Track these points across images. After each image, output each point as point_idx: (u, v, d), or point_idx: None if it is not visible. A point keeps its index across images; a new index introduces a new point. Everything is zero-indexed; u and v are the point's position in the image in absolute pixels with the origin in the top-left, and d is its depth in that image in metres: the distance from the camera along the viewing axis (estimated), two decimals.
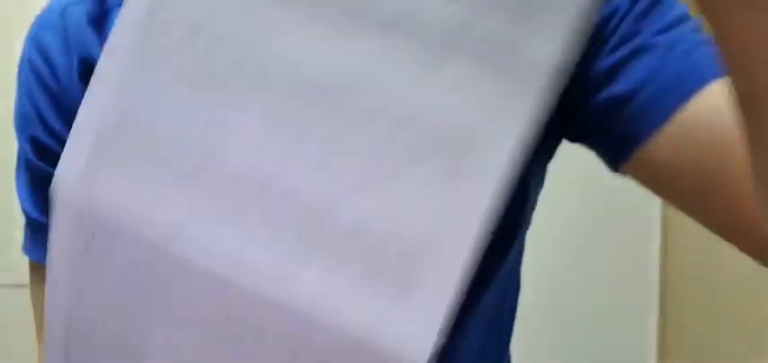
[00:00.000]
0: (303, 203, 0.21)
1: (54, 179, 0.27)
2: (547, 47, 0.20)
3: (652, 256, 1.28)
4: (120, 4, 0.30)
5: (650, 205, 1.29)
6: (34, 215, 0.42)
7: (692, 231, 1.29)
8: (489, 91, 0.20)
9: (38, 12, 0.43)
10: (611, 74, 0.41)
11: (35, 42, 0.42)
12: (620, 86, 0.41)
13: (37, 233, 0.42)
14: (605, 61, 0.41)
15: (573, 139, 0.47)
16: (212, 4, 0.21)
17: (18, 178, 0.43)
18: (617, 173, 0.44)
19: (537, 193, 0.50)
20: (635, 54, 0.41)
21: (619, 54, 0.41)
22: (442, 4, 0.19)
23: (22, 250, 0.44)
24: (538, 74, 0.20)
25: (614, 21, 0.41)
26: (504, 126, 0.20)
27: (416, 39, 0.19)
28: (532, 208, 0.50)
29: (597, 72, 0.42)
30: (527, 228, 0.50)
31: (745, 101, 0.28)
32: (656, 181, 0.42)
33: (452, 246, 0.20)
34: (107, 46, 0.24)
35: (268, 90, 0.21)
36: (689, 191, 0.41)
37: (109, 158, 0.23)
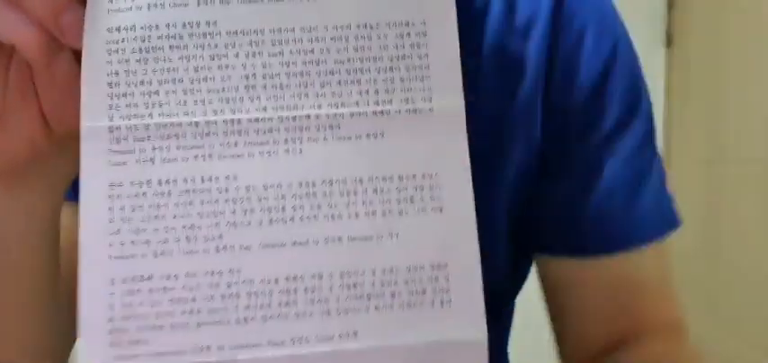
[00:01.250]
0: (334, 278, 0.25)
1: None
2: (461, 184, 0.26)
3: None
4: None
5: None
6: None
7: (692, 232, 1.29)
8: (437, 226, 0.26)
9: None
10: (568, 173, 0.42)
11: None
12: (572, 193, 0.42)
13: None
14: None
15: None
16: None
17: None
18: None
19: None
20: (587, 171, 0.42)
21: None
22: (357, 95, 0.26)
23: None
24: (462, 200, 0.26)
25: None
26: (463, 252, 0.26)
27: (354, 131, 0.26)
28: None
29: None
30: None
31: None
32: (550, 287, 0.45)
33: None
34: None
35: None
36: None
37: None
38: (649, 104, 0.44)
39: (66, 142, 0.27)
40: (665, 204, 0.44)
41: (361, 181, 0.26)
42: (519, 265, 0.47)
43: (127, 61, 0.25)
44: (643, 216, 0.42)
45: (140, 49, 0.25)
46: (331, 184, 0.26)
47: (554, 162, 0.42)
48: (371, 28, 0.26)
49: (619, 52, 0.42)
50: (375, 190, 0.26)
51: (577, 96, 0.41)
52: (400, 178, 0.26)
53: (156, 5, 0.25)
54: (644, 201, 0.42)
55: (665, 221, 0.44)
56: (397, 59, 0.26)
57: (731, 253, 1.16)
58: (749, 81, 1.11)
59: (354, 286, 0.25)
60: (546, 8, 0.42)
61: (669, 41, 1.35)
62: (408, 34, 0.26)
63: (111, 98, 0.25)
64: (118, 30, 0.25)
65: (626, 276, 0.42)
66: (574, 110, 0.42)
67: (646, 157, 0.43)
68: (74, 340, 0.37)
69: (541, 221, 0.43)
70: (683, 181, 1.31)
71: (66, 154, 0.28)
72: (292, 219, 0.25)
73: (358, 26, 0.26)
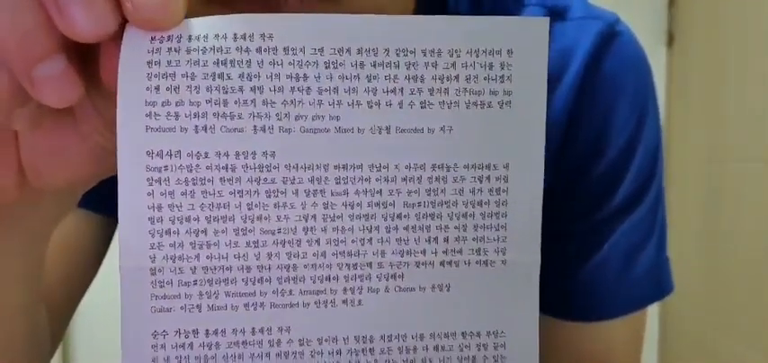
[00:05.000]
0: None
1: None
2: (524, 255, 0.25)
3: None
4: None
5: None
6: None
7: (693, 232, 1.29)
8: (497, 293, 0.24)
9: None
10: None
11: None
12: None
13: None
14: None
15: None
16: None
17: None
18: None
19: None
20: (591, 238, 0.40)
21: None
22: (424, 243, 0.24)
23: None
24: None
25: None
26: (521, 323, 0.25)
27: (418, 282, 0.24)
28: None
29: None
30: None
31: None
32: None
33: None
34: None
35: None
36: None
37: None
38: (662, 163, 0.41)
39: (44, 197, 0.25)
40: (657, 272, 0.42)
41: (421, 337, 0.24)
42: None
43: (171, 193, 0.22)
44: (633, 287, 0.41)
45: (186, 181, 0.22)
46: (390, 340, 0.24)
47: (554, 225, 0.41)
48: (448, 169, 0.23)
49: (646, 124, 0.39)
50: (436, 348, 0.24)
51: (599, 167, 0.39)
52: (464, 335, 0.24)
53: (205, 129, 0.22)
54: (637, 271, 0.41)
55: (655, 291, 0.42)
56: (473, 205, 0.23)
57: (731, 253, 1.16)
58: (749, 80, 1.11)
59: None
60: (578, 64, 0.38)
61: (670, 40, 1.35)
62: (488, 178, 0.23)
63: (153, 236, 0.22)
64: (160, 155, 0.22)
65: (602, 342, 0.41)
66: (591, 180, 0.39)
67: (648, 226, 0.41)
68: (50, 356, 0.35)
69: None
70: (683, 180, 1.30)
71: (45, 206, 0.26)
72: None
73: (433, 166, 0.23)
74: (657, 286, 0.42)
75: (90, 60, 0.21)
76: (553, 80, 0.39)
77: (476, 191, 0.23)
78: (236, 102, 0.22)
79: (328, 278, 0.23)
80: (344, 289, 0.23)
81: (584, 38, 0.39)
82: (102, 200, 0.41)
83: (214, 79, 0.21)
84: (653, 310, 1.36)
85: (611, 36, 0.39)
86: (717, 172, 1.20)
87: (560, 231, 0.40)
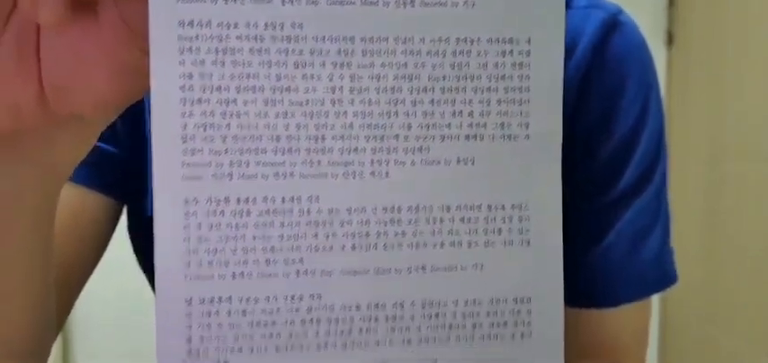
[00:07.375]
0: (416, 307, 0.25)
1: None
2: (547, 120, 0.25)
3: None
4: None
5: None
6: None
7: (693, 232, 1.29)
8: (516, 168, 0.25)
9: None
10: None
11: None
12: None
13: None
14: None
15: None
16: None
17: None
18: None
19: None
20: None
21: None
22: (449, 117, 0.24)
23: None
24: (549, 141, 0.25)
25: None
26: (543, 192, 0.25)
27: (443, 155, 0.24)
28: None
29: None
30: None
31: None
32: None
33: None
34: None
35: None
36: None
37: None
38: (666, 149, 0.42)
39: (65, 123, 0.24)
40: (662, 261, 0.42)
41: (448, 208, 0.24)
42: None
43: (202, 62, 0.22)
44: (639, 273, 0.41)
45: (216, 50, 0.22)
46: (417, 211, 0.24)
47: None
48: (472, 43, 0.24)
49: (650, 107, 0.40)
50: (462, 219, 0.24)
51: (605, 149, 0.39)
52: (489, 208, 0.24)
53: (235, 0, 0.22)
54: (643, 257, 0.41)
55: (660, 279, 0.42)
56: (497, 79, 0.24)
57: (731, 252, 1.16)
58: (749, 80, 1.11)
59: (436, 316, 0.25)
60: (584, 47, 0.39)
61: (670, 40, 1.35)
62: (511, 52, 0.24)
63: (185, 104, 0.22)
64: (191, 24, 0.22)
65: (608, 330, 0.41)
66: (598, 162, 0.40)
67: (653, 212, 0.41)
68: (56, 334, 0.34)
69: None
70: (684, 179, 1.31)
71: (65, 137, 0.25)
72: (375, 246, 0.24)
73: (457, 40, 0.23)
74: (663, 275, 0.42)
75: None
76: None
77: (499, 66, 0.24)
78: None
79: (356, 150, 0.23)
80: (372, 161, 0.24)
81: (588, 24, 0.39)
82: (109, 182, 0.40)
83: None
84: (653, 308, 1.36)
85: (615, 24, 0.40)
86: (717, 171, 1.21)
87: (566, 215, 0.40)
